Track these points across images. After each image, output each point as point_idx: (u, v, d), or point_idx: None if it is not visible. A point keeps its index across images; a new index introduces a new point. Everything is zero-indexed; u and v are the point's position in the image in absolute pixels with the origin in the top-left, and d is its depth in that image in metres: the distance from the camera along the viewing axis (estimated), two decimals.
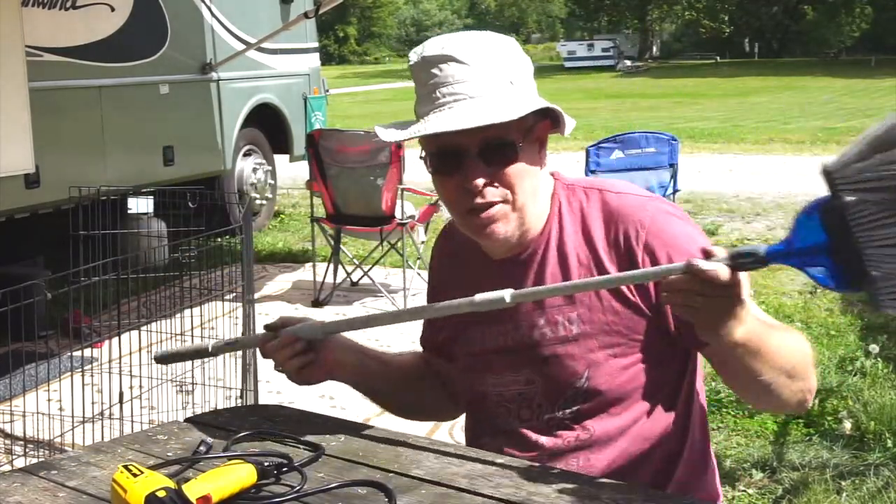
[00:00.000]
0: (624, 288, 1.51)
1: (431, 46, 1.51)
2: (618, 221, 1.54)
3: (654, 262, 1.49)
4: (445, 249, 1.77)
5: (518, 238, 1.56)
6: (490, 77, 1.47)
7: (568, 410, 1.55)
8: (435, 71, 1.48)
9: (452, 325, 1.67)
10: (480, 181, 1.48)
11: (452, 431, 3.79)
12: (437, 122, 1.45)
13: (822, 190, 1.19)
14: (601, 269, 1.53)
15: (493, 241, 1.56)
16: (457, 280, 1.67)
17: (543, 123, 1.55)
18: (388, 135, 1.53)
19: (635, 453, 1.55)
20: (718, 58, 48.71)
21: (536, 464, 1.44)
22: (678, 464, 1.59)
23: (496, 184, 1.49)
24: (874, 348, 4.43)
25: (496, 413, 1.62)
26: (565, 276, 1.55)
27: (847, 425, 3.65)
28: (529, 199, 1.54)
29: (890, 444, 3.49)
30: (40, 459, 2.87)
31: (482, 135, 1.45)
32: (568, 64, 48.03)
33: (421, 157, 1.56)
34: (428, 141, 1.52)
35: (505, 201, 1.51)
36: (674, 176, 5.86)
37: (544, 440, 1.56)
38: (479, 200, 1.50)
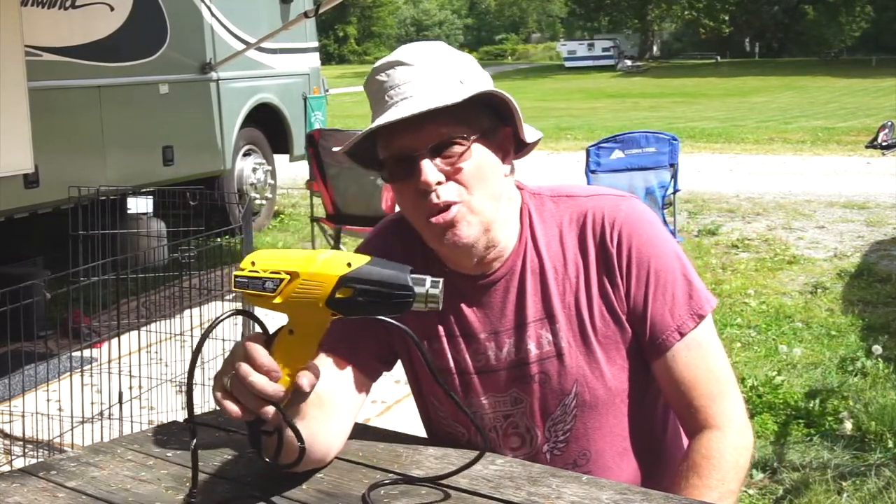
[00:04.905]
0: (612, 297, 1.48)
1: (380, 60, 1.49)
2: (591, 224, 1.50)
3: (625, 256, 1.48)
4: (394, 250, 1.53)
5: (487, 246, 1.47)
6: (436, 76, 1.42)
7: (560, 431, 1.51)
8: (382, 77, 1.44)
9: (406, 340, 1.50)
10: (433, 179, 1.40)
11: None
12: (379, 121, 1.40)
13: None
14: (579, 277, 1.49)
15: (457, 247, 1.44)
16: None
17: (505, 131, 1.48)
18: (340, 148, 1.49)
19: (631, 467, 1.53)
20: (718, 58, 48.72)
21: (537, 464, 1.43)
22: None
23: (451, 183, 1.42)
24: (877, 349, 4.42)
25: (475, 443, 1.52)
26: (545, 290, 1.50)
27: (848, 426, 3.64)
28: (489, 202, 1.45)
29: (891, 444, 3.49)
30: (40, 459, 2.86)
31: (433, 132, 1.40)
32: (568, 64, 48.09)
33: (379, 170, 1.49)
34: (382, 148, 1.46)
35: (461, 202, 1.42)
36: (674, 176, 5.86)
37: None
38: (433, 200, 1.41)
